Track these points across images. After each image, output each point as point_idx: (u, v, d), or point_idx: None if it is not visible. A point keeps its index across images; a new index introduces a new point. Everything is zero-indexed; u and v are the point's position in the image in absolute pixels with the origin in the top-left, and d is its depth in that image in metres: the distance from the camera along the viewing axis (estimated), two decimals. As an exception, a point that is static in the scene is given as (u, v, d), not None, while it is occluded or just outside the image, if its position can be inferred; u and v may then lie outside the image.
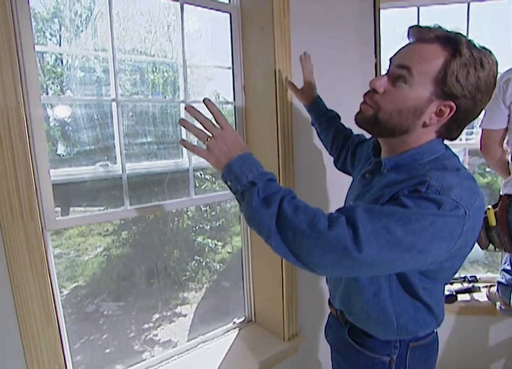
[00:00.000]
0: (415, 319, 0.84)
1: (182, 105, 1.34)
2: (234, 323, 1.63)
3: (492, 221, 1.58)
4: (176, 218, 3.76)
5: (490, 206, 1.60)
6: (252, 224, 0.73)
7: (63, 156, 1.13)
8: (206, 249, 3.81)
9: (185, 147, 0.83)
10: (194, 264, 3.71)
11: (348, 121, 1.07)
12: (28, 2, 0.98)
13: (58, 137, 1.13)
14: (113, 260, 3.59)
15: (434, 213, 0.65)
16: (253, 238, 1.60)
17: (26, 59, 0.97)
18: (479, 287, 1.91)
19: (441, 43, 0.72)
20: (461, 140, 1.97)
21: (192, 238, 3.79)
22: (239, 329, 1.61)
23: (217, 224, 3.89)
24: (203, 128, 0.77)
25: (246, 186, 0.73)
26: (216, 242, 3.83)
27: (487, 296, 1.89)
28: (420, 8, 1.88)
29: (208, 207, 3.80)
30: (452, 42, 0.71)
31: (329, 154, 1.28)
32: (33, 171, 1.01)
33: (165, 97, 1.35)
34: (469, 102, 0.72)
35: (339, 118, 1.27)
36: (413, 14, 1.88)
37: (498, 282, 1.77)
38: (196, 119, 0.77)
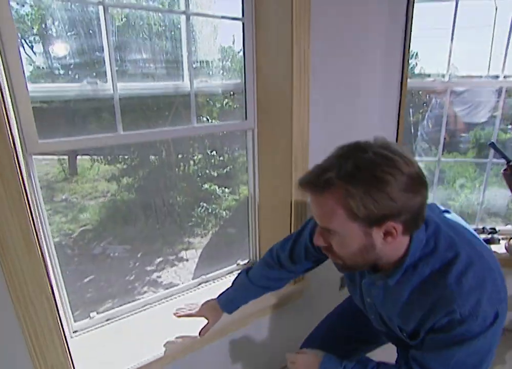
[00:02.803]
0: None
1: (183, 17, 1.14)
2: (238, 264, 1.56)
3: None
4: (182, 163, 3.66)
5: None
6: None
7: (43, 68, 0.97)
8: (213, 196, 3.75)
9: None
10: (200, 210, 3.67)
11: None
12: None
13: (34, 43, 0.97)
14: (121, 205, 3.56)
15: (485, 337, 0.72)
16: (261, 184, 1.48)
17: None
18: (498, 239, 1.80)
19: (329, 189, 0.69)
20: (498, 77, 1.74)
21: (199, 184, 3.71)
22: (243, 271, 1.54)
23: (225, 171, 3.79)
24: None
25: None
26: (223, 189, 3.76)
27: (506, 248, 1.79)
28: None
29: (215, 153, 3.68)
30: (335, 184, 0.68)
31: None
32: (7, 81, 0.87)
33: (163, 5, 1.16)
34: (401, 210, 0.68)
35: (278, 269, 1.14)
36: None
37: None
38: None
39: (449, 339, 0.74)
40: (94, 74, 1.03)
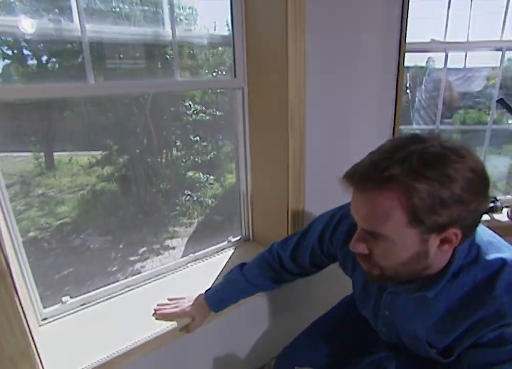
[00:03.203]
0: None
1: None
2: (229, 241, 1.42)
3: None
4: (164, 150, 3.49)
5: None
6: None
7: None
8: (198, 185, 3.61)
9: None
10: (185, 198, 3.53)
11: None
12: None
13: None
14: (101, 196, 3.38)
15: None
16: (253, 152, 1.34)
17: None
18: (502, 207, 1.73)
19: (391, 187, 0.56)
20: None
21: (182, 172, 3.56)
22: (235, 248, 1.41)
23: (209, 157, 3.65)
24: None
25: None
26: (208, 176, 3.62)
27: (508, 216, 1.72)
28: None
29: (198, 138, 3.52)
30: (399, 181, 0.55)
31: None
32: None
33: None
34: (468, 214, 0.57)
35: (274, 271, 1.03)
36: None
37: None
38: None
39: (499, 355, 0.64)
40: (56, 9, 0.87)
